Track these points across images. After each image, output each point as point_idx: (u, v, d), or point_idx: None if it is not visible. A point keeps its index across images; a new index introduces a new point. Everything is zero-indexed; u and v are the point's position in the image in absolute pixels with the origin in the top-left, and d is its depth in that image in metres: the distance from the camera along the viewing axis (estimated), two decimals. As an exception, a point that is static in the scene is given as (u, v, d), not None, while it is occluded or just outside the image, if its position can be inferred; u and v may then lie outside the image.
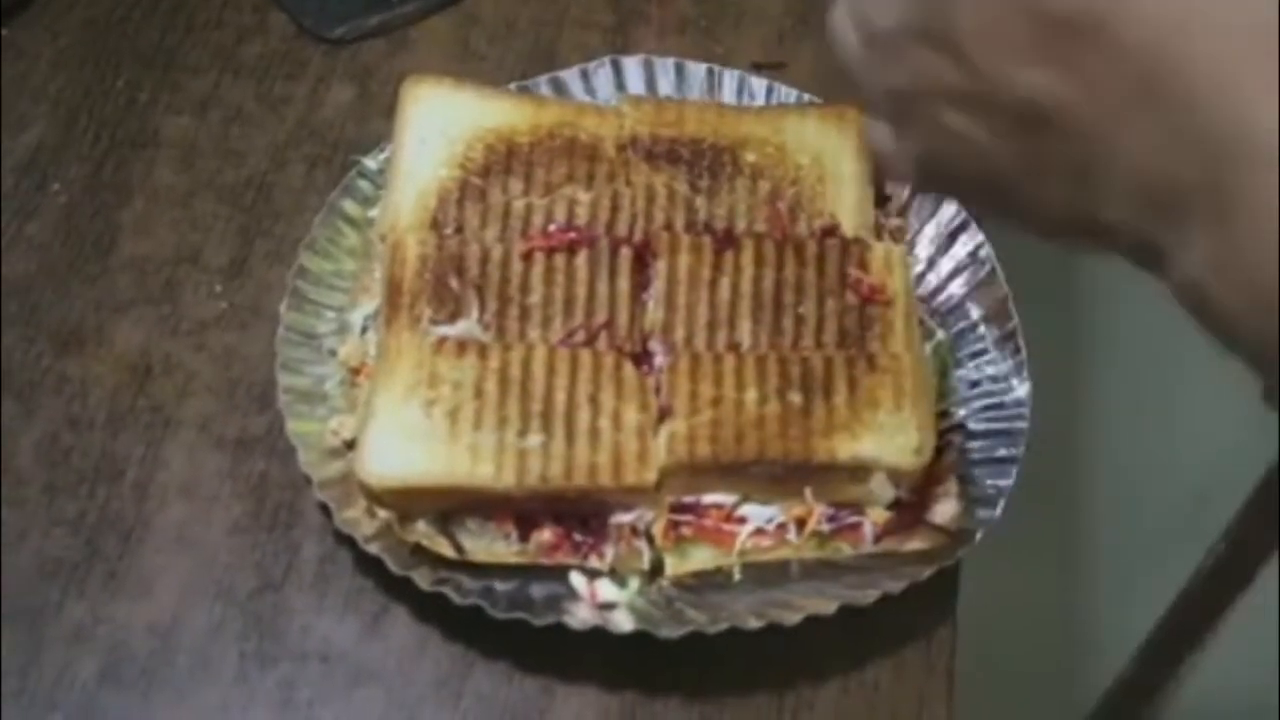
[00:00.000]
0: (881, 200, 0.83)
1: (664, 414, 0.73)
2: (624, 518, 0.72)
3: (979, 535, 0.74)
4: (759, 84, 0.88)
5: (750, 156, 0.81)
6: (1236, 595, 1.33)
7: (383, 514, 0.73)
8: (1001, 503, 0.75)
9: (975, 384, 0.80)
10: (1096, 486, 1.67)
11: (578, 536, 0.73)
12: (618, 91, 0.87)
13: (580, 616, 0.71)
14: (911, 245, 0.82)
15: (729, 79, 0.88)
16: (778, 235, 0.79)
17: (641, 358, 0.75)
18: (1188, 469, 1.66)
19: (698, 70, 0.89)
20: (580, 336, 0.75)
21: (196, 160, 0.89)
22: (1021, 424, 0.77)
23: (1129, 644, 1.43)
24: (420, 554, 0.72)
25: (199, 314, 0.83)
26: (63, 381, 0.81)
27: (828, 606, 0.71)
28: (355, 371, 0.78)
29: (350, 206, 0.83)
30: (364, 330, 0.79)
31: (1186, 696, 1.45)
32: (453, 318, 0.75)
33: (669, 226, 0.78)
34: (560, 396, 0.72)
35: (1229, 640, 1.37)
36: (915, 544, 0.74)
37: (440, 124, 0.80)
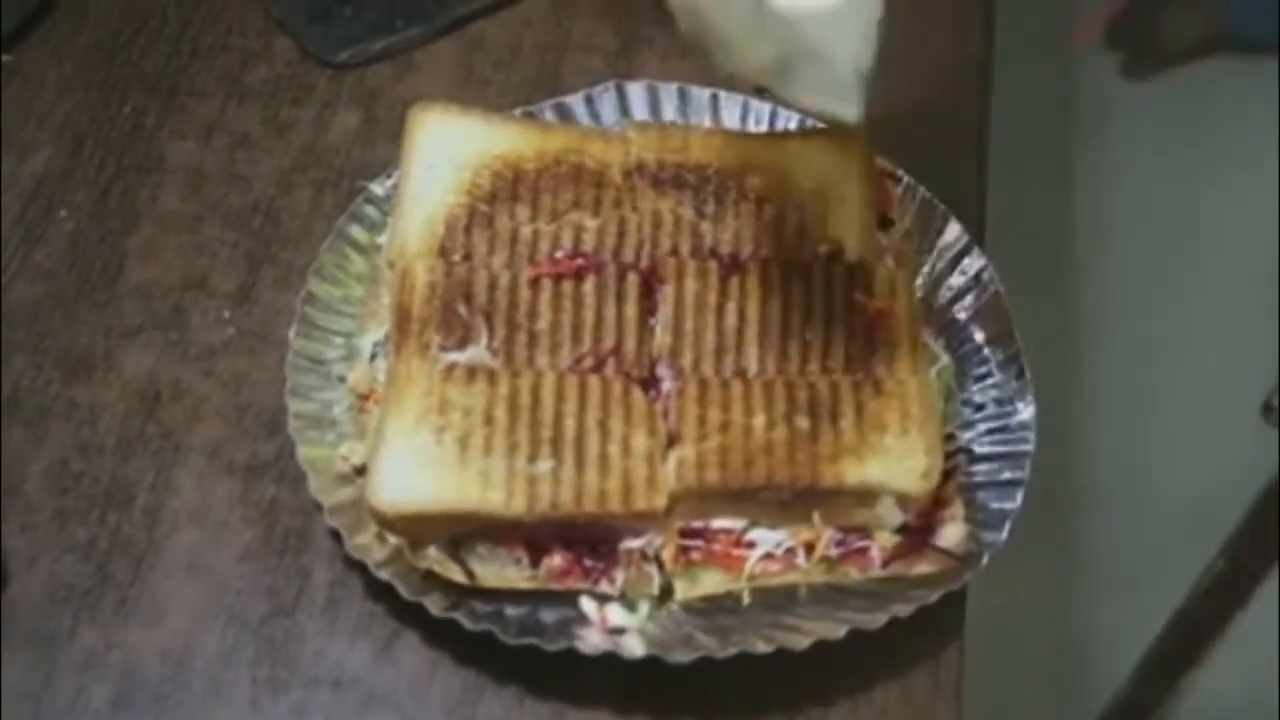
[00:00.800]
0: (885, 224, 0.84)
1: (672, 439, 0.73)
2: (634, 543, 0.73)
3: (985, 559, 0.74)
4: (763, 108, 0.89)
5: (755, 181, 0.82)
6: (1234, 613, 1.34)
7: (393, 540, 0.73)
8: (1007, 525, 0.75)
9: (980, 407, 0.80)
10: (1094, 505, 1.67)
11: (588, 562, 0.73)
12: (622, 116, 0.88)
13: (591, 641, 0.72)
14: (915, 269, 0.83)
15: (732, 104, 0.89)
16: (783, 260, 0.79)
17: (649, 383, 0.75)
18: (1185, 488, 1.67)
19: (701, 95, 0.89)
20: (588, 363, 0.75)
21: (203, 186, 0.89)
22: (1026, 446, 0.78)
23: (1127, 662, 1.43)
24: (431, 580, 0.73)
25: (207, 340, 0.83)
26: (72, 408, 0.81)
27: (836, 631, 0.71)
28: (364, 398, 0.79)
29: (358, 232, 0.84)
30: (373, 357, 0.79)
31: (1184, 715, 1.45)
32: (462, 344, 0.75)
33: (675, 252, 0.79)
34: (569, 423, 0.73)
35: (1227, 658, 1.38)
36: (922, 568, 0.74)
37: (447, 151, 0.81)
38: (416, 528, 0.72)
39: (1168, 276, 1.85)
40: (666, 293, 0.77)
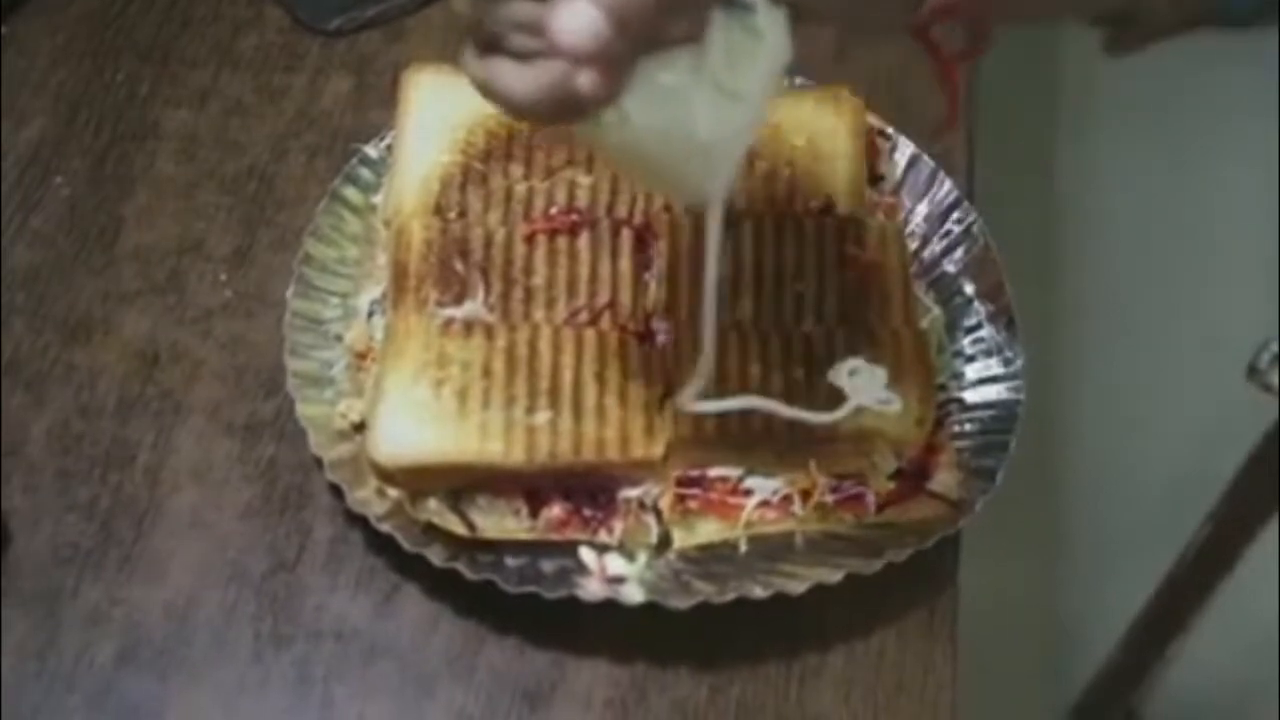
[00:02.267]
0: (875, 180, 0.84)
1: (669, 390, 0.74)
2: (631, 492, 0.74)
3: (979, 505, 0.75)
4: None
5: (746, 137, 0.82)
6: (1221, 578, 1.35)
7: (394, 493, 0.74)
8: (1000, 473, 0.76)
9: (971, 358, 0.81)
10: (1081, 469, 1.68)
11: (587, 512, 0.74)
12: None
13: (591, 589, 0.72)
14: (905, 223, 0.84)
15: (723, 64, 0.90)
16: (775, 215, 0.80)
17: (645, 336, 0.76)
18: (1174, 450, 1.68)
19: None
20: (584, 316, 0.76)
21: (198, 152, 0.90)
22: (1018, 395, 0.79)
23: (1116, 628, 1.44)
24: (432, 532, 0.74)
25: (205, 302, 0.84)
26: (71, 370, 0.81)
27: (833, 575, 0.72)
28: (361, 356, 0.79)
29: (352, 194, 0.84)
30: (370, 315, 0.80)
31: (1174, 679, 1.46)
32: (459, 299, 0.76)
33: (669, 208, 0.80)
34: (567, 375, 0.74)
35: (1214, 624, 1.39)
36: (917, 513, 0.75)
37: (441, 111, 0.82)
38: (416, 480, 0.73)
39: (1152, 244, 1.86)
40: (660, 247, 0.78)
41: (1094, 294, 1.81)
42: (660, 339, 0.76)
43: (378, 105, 0.91)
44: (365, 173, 0.85)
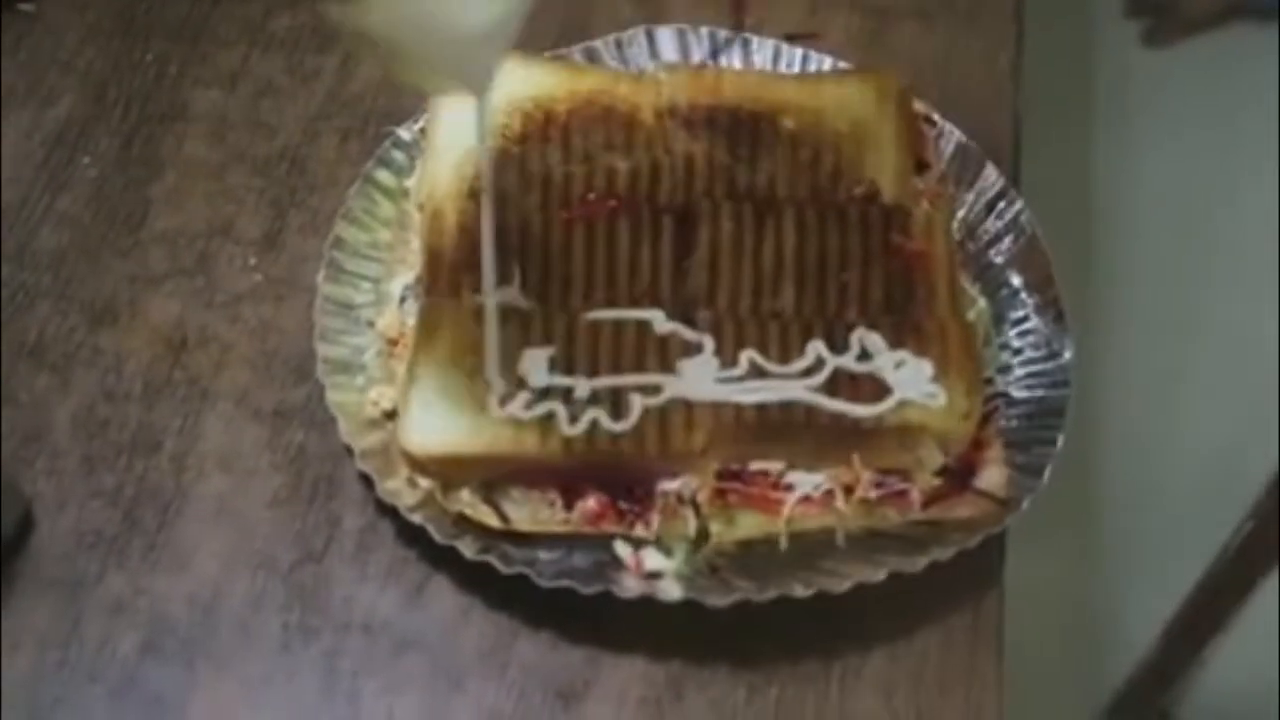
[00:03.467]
0: (920, 168, 0.82)
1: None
2: (669, 485, 0.72)
3: (1026, 503, 0.73)
4: (794, 53, 0.88)
5: (789, 123, 0.80)
6: (1261, 577, 1.32)
7: (425, 483, 0.72)
8: (1048, 470, 0.74)
9: (1018, 351, 0.79)
10: (1119, 464, 1.66)
11: (623, 505, 0.72)
12: (652, 60, 0.87)
13: (627, 585, 0.71)
14: (952, 212, 0.82)
15: (764, 48, 0.88)
16: (818, 202, 0.78)
17: (685, 325, 0.74)
18: (1214, 447, 1.65)
19: (732, 39, 0.88)
20: (623, 304, 0.74)
21: (228, 133, 0.88)
22: (1065, 390, 0.77)
23: (1152, 627, 1.42)
24: (463, 524, 0.72)
25: (233, 286, 0.82)
26: (97, 354, 0.80)
27: (876, 574, 0.70)
28: (393, 342, 0.78)
29: (385, 177, 0.83)
30: (402, 300, 0.78)
31: (1210, 680, 1.44)
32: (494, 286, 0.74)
33: (710, 194, 0.78)
34: (604, 363, 0.72)
35: (1252, 623, 1.36)
36: (963, 511, 0.73)
37: (477, 92, 0.80)
38: (448, 470, 0.71)
39: (1192, 237, 1.84)
40: (701, 235, 0.76)
41: (1132, 287, 1.79)
42: (700, 327, 0.74)
43: (411, 87, 0.89)
44: (398, 155, 0.83)
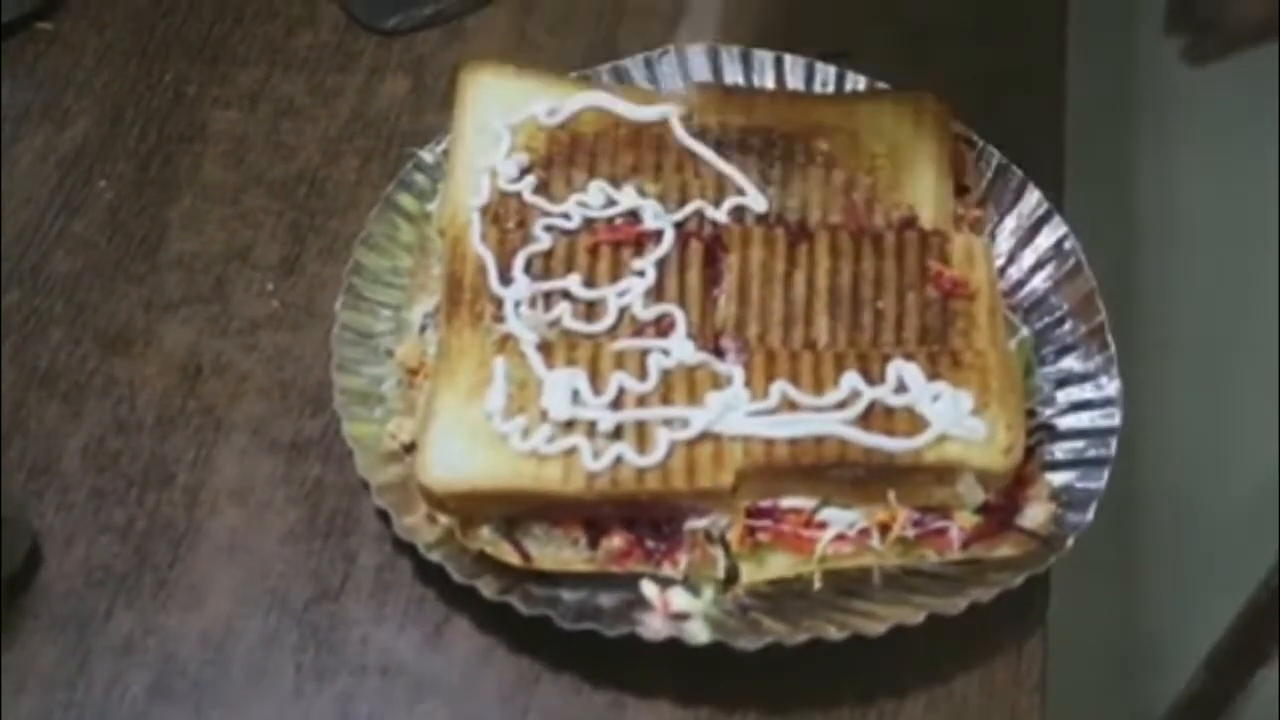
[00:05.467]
0: (960, 191, 0.80)
1: (739, 414, 0.69)
2: (698, 523, 0.69)
3: (1071, 540, 0.70)
4: (829, 70, 0.85)
5: (823, 145, 0.78)
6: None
7: (444, 520, 0.70)
8: (1093, 506, 0.71)
9: (1062, 382, 0.76)
10: (1164, 491, 1.63)
11: (650, 543, 0.69)
12: (682, 80, 0.84)
13: (653, 627, 0.68)
14: (993, 237, 0.79)
15: (797, 66, 0.85)
16: (853, 227, 0.75)
17: (714, 356, 0.71)
18: (1259, 474, 1.62)
19: (765, 57, 0.85)
20: (650, 334, 0.72)
21: (246, 155, 0.86)
22: (1112, 422, 0.74)
23: (1196, 657, 1.39)
24: (484, 562, 0.69)
25: (250, 313, 0.80)
26: (110, 383, 0.78)
27: (914, 616, 0.68)
28: (413, 372, 0.75)
29: (406, 200, 0.80)
30: (422, 329, 0.76)
31: (1255, 711, 1.40)
32: (516, 314, 0.72)
33: (740, 219, 0.75)
34: (630, 396, 0.69)
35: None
36: (1005, 550, 0.70)
37: (501, 113, 0.77)
38: (468, 506, 0.69)
39: (1237, 261, 1.81)
40: (731, 261, 0.74)
41: (1177, 311, 1.76)
42: (729, 359, 0.71)
43: (435, 108, 0.87)
44: (420, 178, 0.81)
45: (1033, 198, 0.80)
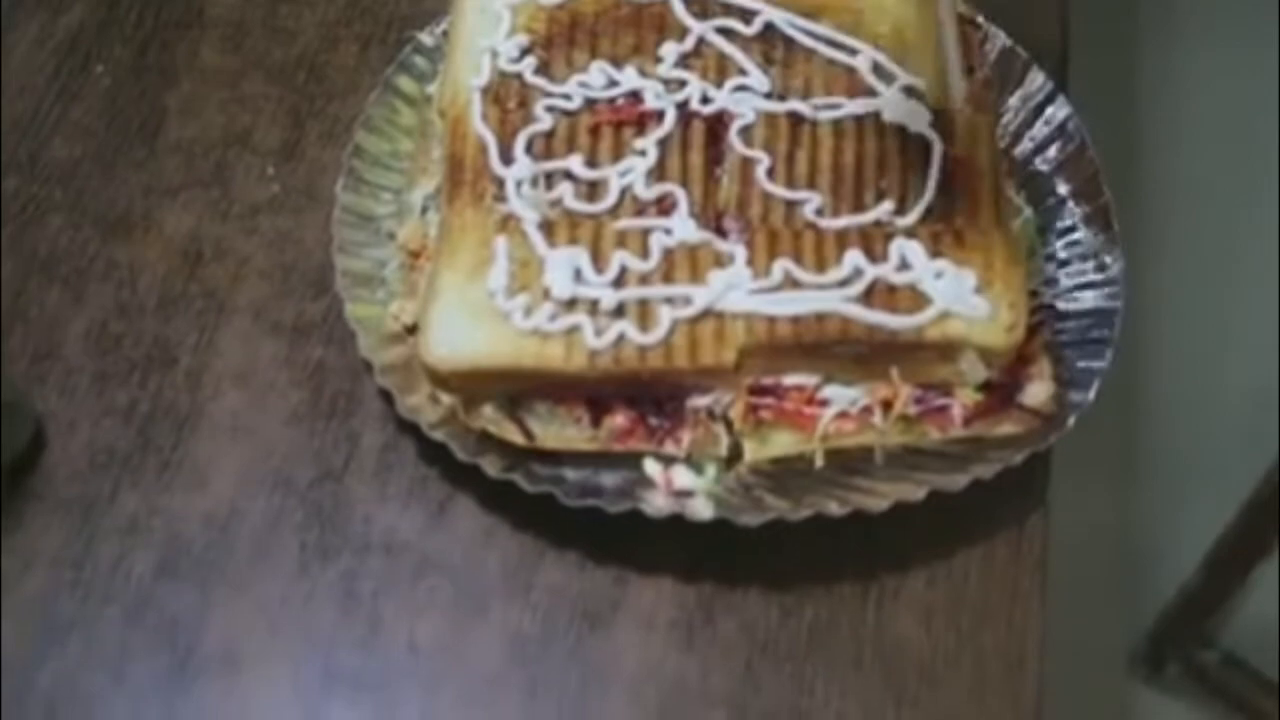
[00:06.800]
0: (965, 72, 0.79)
1: (741, 291, 0.69)
2: (701, 401, 0.69)
3: (1072, 419, 0.70)
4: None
5: (827, 25, 0.77)
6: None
7: (447, 399, 0.70)
8: (1095, 385, 0.71)
9: (1065, 263, 0.76)
10: (1162, 384, 1.63)
11: (652, 421, 0.69)
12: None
13: (656, 504, 0.68)
14: (996, 117, 0.78)
15: (801, -52, 0.84)
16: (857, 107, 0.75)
17: (716, 234, 0.71)
18: (1260, 367, 1.62)
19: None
20: (651, 213, 0.71)
21: (244, 40, 0.85)
22: (1115, 303, 0.74)
23: (1196, 552, 1.39)
24: (487, 441, 0.69)
25: (250, 197, 0.80)
26: (111, 268, 0.78)
27: (916, 493, 0.68)
28: (415, 255, 0.75)
29: (406, 83, 0.80)
30: (424, 211, 0.75)
31: (1253, 606, 1.41)
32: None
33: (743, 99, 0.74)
34: (632, 274, 0.69)
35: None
36: (1006, 427, 0.70)
37: (502, -8, 0.77)
38: (471, 385, 0.69)
39: (1240, 152, 1.79)
40: (733, 141, 0.73)
41: (1181, 198, 1.75)
42: (732, 238, 0.71)
43: (434, -8, 0.86)
44: (420, 61, 0.80)
45: (1036, 78, 0.80)
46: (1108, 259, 0.75)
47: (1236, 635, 1.45)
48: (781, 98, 0.75)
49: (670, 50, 0.75)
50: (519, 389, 0.69)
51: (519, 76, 0.75)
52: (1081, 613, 1.45)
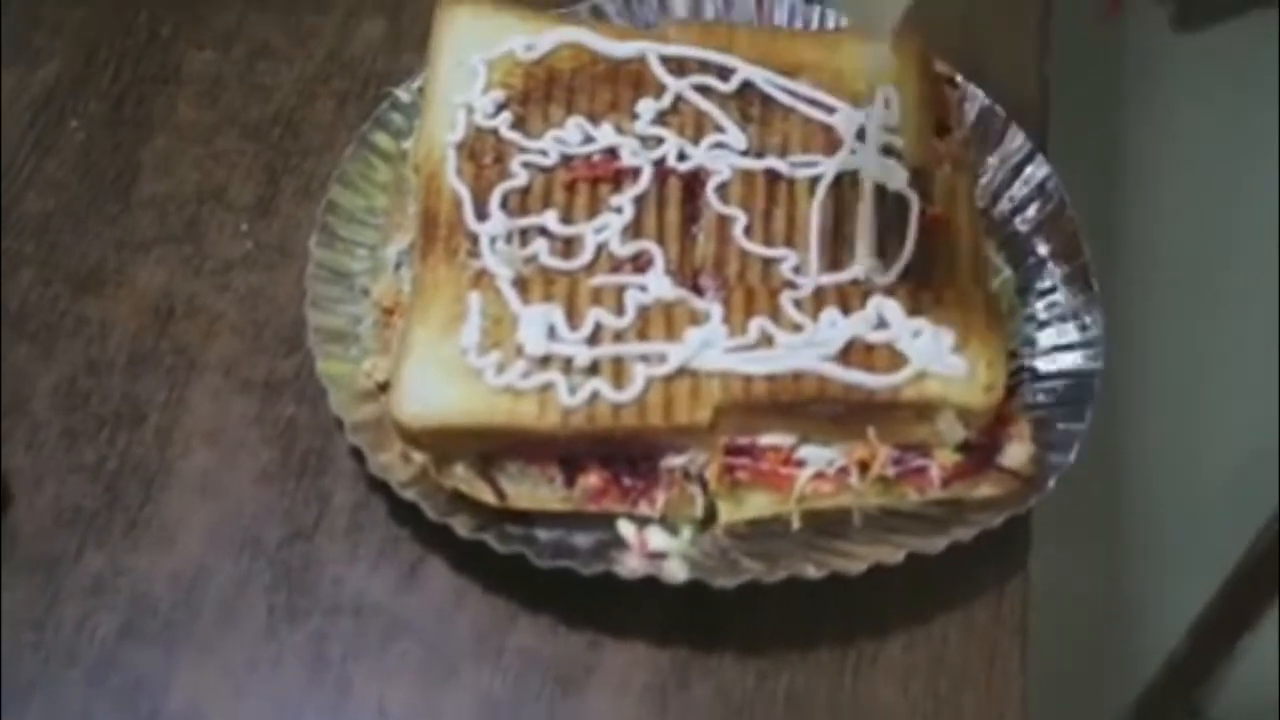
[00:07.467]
0: (942, 131, 0.78)
1: (716, 350, 0.68)
2: (675, 461, 0.68)
3: (1052, 481, 0.70)
4: (811, 10, 0.84)
5: (804, 83, 0.77)
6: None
7: (419, 458, 0.69)
8: (1076, 446, 0.70)
9: (1044, 324, 0.75)
10: (1147, 450, 1.62)
11: (626, 481, 0.68)
12: (661, 16, 0.83)
13: (630, 566, 0.67)
14: (975, 177, 0.78)
15: (779, 5, 0.84)
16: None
17: (692, 292, 0.70)
18: (1246, 433, 1.61)
19: (748, -1, 0.84)
20: (627, 270, 0.71)
21: (220, 96, 0.85)
22: (1096, 364, 0.73)
23: (1182, 621, 1.38)
24: (458, 500, 0.68)
25: (224, 253, 0.79)
26: (81, 323, 0.77)
27: (894, 555, 0.67)
28: (389, 312, 0.74)
29: (382, 139, 0.79)
30: (398, 267, 0.75)
31: (1240, 677, 1.40)
32: (492, 250, 0.71)
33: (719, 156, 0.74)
34: (607, 333, 0.68)
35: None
36: (985, 489, 0.69)
37: (477, 47, 0.76)
38: (443, 443, 0.68)
39: (1221, 214, 1.80)
40: (710, 198, 0.72)
41: (1161, 262, 1.75)
42: (708, 296, 0.70)
43: (412, 49, 0.85)
44: (397, 118, 0.80)
45: (1016, 138, 0.80)
46: (1088, 319, 0.74)
47: (1224, 707, 1.44)
48: (759, 155, 0.74)
49: (647, 107, 0.75)
50: (491, 447, 0.68)
51: (495, 132, 0.74)
52: (1065, 681, 1.44)
